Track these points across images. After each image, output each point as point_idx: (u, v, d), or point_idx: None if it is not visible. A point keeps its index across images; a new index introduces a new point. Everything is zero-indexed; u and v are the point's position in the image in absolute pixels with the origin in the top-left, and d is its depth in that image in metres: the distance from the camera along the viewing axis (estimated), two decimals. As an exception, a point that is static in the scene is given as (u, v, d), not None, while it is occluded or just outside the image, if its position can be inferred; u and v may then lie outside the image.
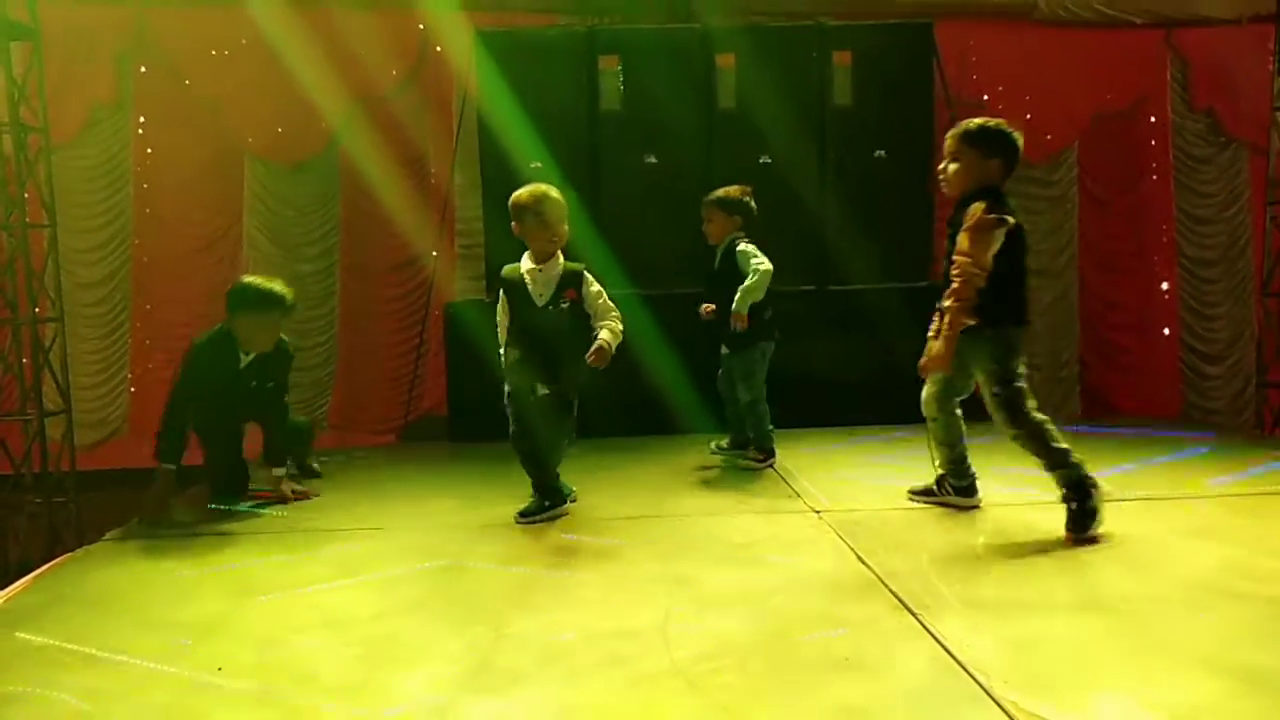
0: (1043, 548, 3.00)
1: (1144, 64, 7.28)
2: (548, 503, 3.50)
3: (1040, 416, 3.14)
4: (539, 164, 5.35)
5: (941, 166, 3.27)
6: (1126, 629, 2.33)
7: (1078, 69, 7.11)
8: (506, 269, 3.59)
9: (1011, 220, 3.09)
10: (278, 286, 3.84)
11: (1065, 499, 3.09)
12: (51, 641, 2.41)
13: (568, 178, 4.96)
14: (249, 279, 3.95)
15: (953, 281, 3.06)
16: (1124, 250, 7.48)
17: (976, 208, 3.06)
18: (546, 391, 3.47)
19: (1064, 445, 3.11)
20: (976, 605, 2.50)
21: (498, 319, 3.60)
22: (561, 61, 5.66)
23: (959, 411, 3.41)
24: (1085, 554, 2.93)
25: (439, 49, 6.67)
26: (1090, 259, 7.46)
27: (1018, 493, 3.59)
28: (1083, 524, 3.05)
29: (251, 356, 3.85)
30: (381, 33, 6.36)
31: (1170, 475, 3.95)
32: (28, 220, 5.36)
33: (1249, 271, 7.37)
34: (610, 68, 5.67)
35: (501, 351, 3.58)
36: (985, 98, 7.20)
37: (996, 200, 3.12)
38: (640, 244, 5.39)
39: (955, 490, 3.48)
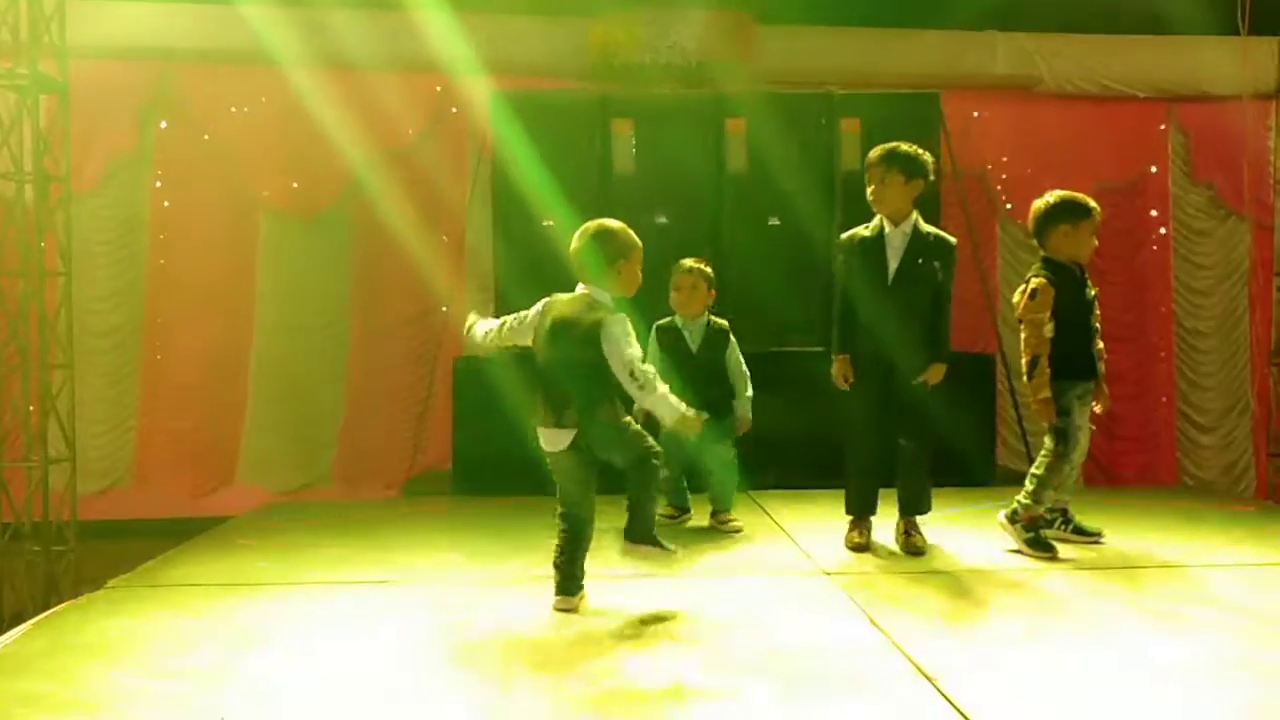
0: (1058, 611, 2.97)
1: (1146, 137, 7.41)
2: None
3: None
4: (551, 222, 5.43)
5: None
6: (1154, 698, 2.28)
7: (1081, 141, 7.23)
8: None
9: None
10: None
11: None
12: (52, 689, 2.36)
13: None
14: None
15: None
16: (1123, 319, 7.53)
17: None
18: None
19: None
20: (993, 670, 2.46)
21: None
22: (576, 124, 5.78)
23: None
24: (1103, 618, 2.89)
25: (454, 110, 6.82)
26: (1091, 327, 7.50)
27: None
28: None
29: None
30: (399, 93, 6.50)
31: (1186, 543, 3.90)
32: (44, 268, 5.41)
33: (1245, 343, 7.41)
34: (623, 131, 5.80)
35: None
36: (989, 167, 7.33)
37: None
38: (651, 304, 5.43)
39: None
